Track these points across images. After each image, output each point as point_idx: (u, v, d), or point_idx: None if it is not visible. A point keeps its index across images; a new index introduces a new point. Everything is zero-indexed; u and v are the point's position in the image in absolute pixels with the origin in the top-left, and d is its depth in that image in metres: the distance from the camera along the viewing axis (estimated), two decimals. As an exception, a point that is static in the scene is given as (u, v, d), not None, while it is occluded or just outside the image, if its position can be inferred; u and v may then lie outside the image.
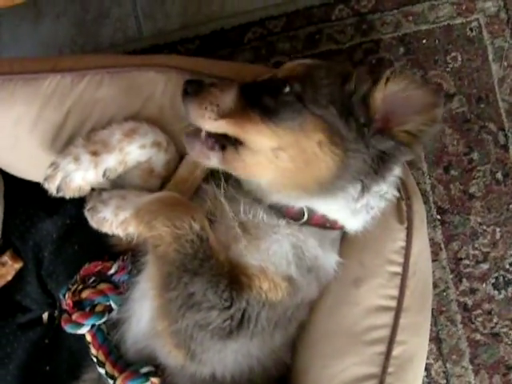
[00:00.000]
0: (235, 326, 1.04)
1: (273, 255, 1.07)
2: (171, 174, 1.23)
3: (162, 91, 1.23)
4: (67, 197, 1.16)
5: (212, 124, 1.05)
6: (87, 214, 1.17)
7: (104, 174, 1.15)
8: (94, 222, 1.16)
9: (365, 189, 1.06)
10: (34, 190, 1.21)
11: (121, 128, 1.17)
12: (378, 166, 1.04)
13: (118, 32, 1.75)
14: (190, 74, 1.23)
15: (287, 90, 1.04)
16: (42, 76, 1.23)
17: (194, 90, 1.07)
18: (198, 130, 1.08)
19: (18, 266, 1.38)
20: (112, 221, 1.14)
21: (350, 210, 1.10)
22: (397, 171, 1.12)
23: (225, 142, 1.07)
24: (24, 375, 1.40)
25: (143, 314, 1.16)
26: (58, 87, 1.23)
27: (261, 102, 1.05)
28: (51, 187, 1.14)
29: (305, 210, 1.10)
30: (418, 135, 1.01)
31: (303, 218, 1.10)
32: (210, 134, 1.08)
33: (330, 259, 1.15)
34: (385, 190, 1.11)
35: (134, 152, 1.16)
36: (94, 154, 1.13)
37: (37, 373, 1.40)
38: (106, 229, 1.15)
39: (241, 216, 1.09)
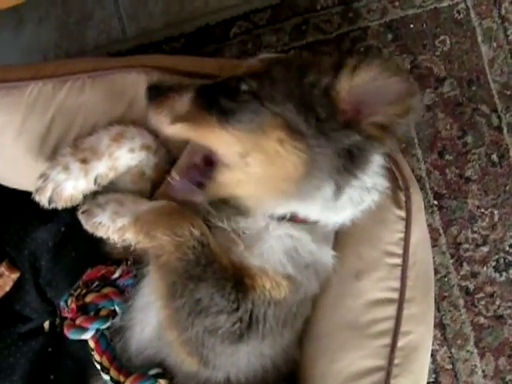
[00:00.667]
0: (244, 328, 1.04)
1: (267, 259, 1.06)
2: (161, 176, 1.21)
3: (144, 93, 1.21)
4: (59, 207, 1.14)
5: (168, 128, 1.04)
6: (81, 217, 1.15)
7: (95, 182, 1.14)
8: (88, 226, 1.14)
9: (338, 186, 1.01)
10: (27, 198, 1.19)
11: (108, 133, 1.15)
12: (346, 161, 0.99)
13: (101, 34, 1.74)
14: (172, 72, 1.21)
15: (244, 88, 0.99)
16: (23, 84, 1.21)
17: (154, 95, 1.05)
18: (176, 175, 1.09)
19: (15, 276, 1.37)
20: (109, 226, 1.12)
21: (330, 209, 1.06)
22: (379, 161, 1.06)
23: (199, 178, 1.06)
24: (28, 385, 1.39)
25: (147, 323, 1.15)
26: (41, 95, 1.21)
27: (218, 103, 1.00)
28: (43, 199, 1.13)
29: (287, 213, 1.07)
30: (390, 127, 0.96)
31: (287, 217, 1.07)
32: (183, 175, 1.08)
33: (325, 253, 1.13)
34: (371, 182, 1.06)
35: (123, 156, 1.14)
36: (84, 161, 1.12)
37: (41, 382, 1.38)
38: (101, 233, 1.14)
39: (230, 224, 1.08)
